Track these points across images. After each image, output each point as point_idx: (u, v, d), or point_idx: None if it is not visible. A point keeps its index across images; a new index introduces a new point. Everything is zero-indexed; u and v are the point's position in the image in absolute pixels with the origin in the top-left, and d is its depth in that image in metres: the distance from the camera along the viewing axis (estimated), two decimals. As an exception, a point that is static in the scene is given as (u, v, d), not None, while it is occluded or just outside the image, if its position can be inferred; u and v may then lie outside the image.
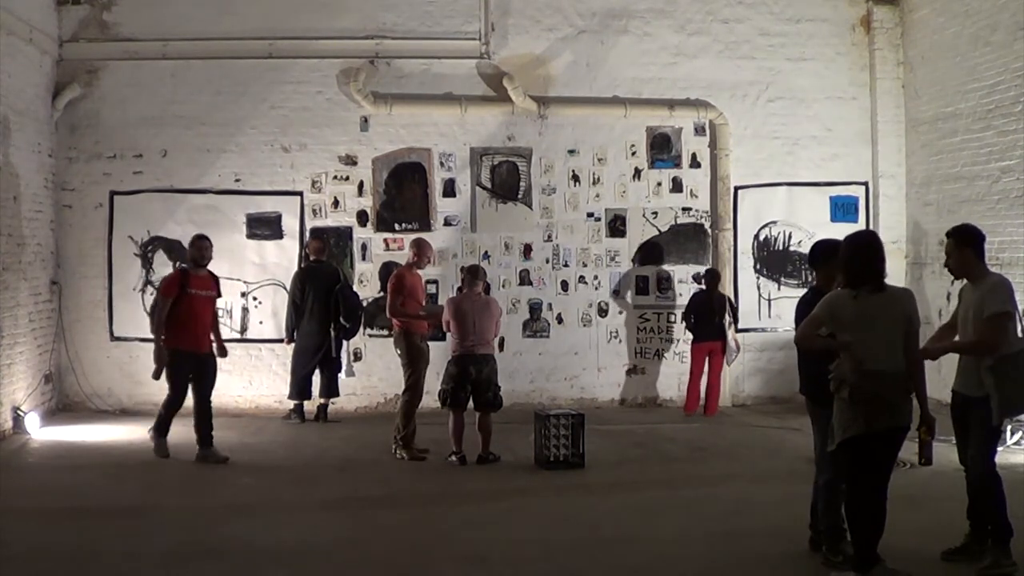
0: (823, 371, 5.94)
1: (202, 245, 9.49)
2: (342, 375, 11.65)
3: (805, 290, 7.01)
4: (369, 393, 12.06)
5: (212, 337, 9.47)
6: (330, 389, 11.44)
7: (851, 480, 5.85)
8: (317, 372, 11.42)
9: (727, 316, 11.67)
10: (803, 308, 6.40)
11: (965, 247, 6.27)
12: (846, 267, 5.90)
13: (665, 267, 12.44)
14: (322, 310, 11.17)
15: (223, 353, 9.62)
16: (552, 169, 12.36)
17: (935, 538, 6.66)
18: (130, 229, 11.99)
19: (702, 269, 12.24)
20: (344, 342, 11.50)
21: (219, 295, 9.70)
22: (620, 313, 12.38)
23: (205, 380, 9.38)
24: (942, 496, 7.74)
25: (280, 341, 11.81)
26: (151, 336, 9.52)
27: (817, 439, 6.39)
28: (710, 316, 11.61)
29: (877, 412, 5.68)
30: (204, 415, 9.31)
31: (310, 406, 11.42)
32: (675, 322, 12.30)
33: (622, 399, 12.41)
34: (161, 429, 9.38)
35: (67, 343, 11.82)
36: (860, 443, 5.71)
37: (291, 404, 11.40)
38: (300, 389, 11.37)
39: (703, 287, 11.88)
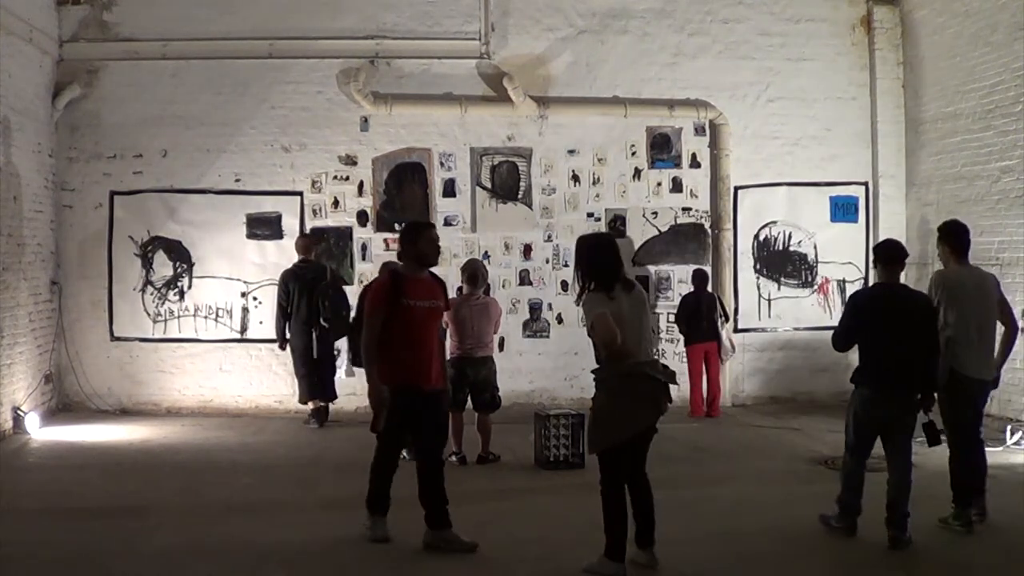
0: None
1: (433, 236, 6.77)
2: (341, 375, 11.41)
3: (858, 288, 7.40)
4: (369, 393, 12.04)
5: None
6: (325, 391, 11.08)
7: (613, 480, 5.98)
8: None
9: (718, 315, 11.67)
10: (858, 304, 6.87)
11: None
12: (596, 269, 6.00)
13: (665, 267, 12.45)
14: (307, 310, 10.85)
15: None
16: (552, 169, 12.35)
17: (934, 537, 6.67)
18: (130, 229, 11.98)
19: (708, 269, 12.21)
20: (334, 342, 11.06)
21: (447, 307, 7.04)
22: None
23: (431, 428, 6.62)
24: (940, 496, 7.74)
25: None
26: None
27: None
28: (700, 317, 11.61)
29: (646, 410, 5.95)
30: (432, 479, 6.51)
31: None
32: (675, 322, 12.28)
33: (622, 399, 12.38)
34: (375, 504, 6.61)
35: (67, 343, 11.82)
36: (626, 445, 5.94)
37: (306, 407, 11.13)
38: (308, 390, 11.04)
39: (692, 289, 11.85)
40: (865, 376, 6.59)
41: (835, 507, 6.73)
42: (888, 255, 6.79)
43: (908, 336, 6.42)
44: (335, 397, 11.24)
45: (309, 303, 10.85)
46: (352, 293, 11.11)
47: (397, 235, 7.07)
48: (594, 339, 5.99)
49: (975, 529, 6.78)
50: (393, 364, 6.40)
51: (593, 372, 6.24)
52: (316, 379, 11.04)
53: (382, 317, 6.43)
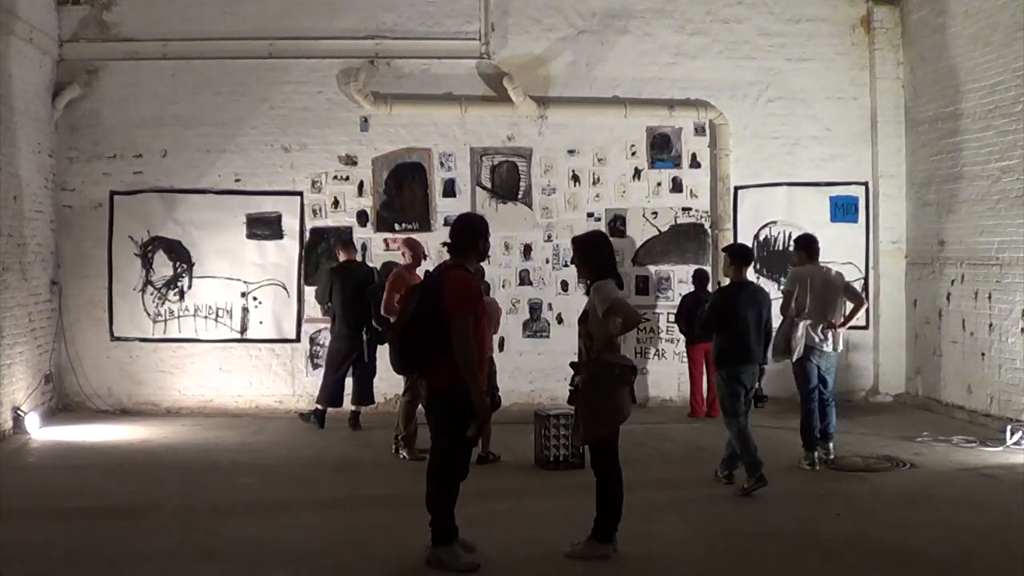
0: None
1: (487, 233, 6.34)
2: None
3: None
4: (369, 393, 12.05)
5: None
6: (363, 396, 10.84)
7: (610, 466, 6.32)
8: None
9: None
10: (718, 300, 8.33)
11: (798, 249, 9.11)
12: (607, 261, 6.39)
13: (665, 267, 12.45)
14: (352, 313, 10.68)
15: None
16: (552, 169, 12.36)
17: (934, 538, 6.67)
18: (130, 229, 11.99)
19: (708, 269, 12.20)
20: (379, 345, 10.55)
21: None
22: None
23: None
24: (939, 497, 7.75)
25: (283, 341, 11.94)
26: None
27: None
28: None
29: (630, 398, 6.33)
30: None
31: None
32: (674, 322, 12.28)
33: (622, 399, 12.38)
34: (449, 532, 6.09)
35: (67, 343, 11.82)
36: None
37: (314, 406, 10.96)
38: (329, 395, 10.85)
39: (692, 289, 11.84)
40: (729, 357, 7.95)
41: (721, 469, 8.08)
42: (742, 257, 8.28)
43: (756, 323, 7.96)
44: (374, 401, 11.02)
45: (355, 306, 10.61)
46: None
47: (448, 230, 6.40)
48: (595, 328, 6.22)
49: (820, 464, 8.59)
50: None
51: (575, 365, 6.45)
52: (339, 386, 10.85)
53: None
